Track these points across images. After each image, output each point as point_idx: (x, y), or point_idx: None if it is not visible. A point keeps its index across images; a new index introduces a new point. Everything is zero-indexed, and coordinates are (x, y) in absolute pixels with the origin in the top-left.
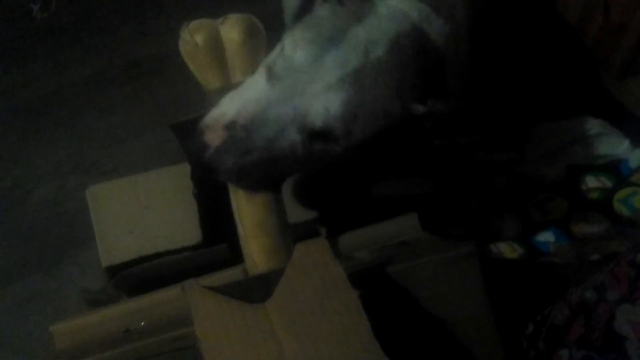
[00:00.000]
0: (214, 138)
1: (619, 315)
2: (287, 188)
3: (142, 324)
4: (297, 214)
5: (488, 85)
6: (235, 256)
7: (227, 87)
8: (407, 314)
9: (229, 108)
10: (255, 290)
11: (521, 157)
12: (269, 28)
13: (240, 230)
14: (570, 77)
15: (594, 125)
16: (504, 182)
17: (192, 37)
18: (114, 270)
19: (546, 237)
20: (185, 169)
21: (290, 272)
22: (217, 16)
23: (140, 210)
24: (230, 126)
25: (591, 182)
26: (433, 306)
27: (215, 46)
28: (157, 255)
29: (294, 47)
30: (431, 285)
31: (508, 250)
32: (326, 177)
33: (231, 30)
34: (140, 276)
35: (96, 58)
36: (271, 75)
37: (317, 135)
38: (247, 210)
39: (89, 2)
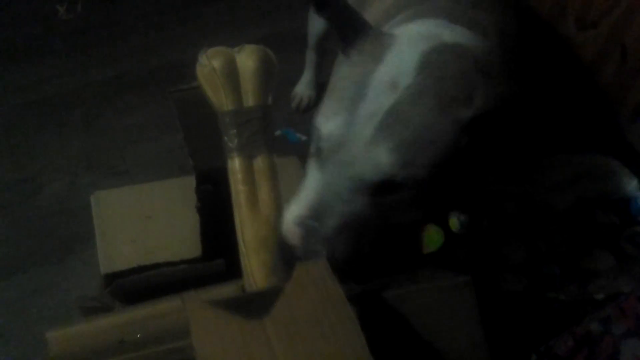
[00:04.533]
0: (293, 238)
1: (624, 349)
2: (287, 205)
3: (138, 335)
4: None
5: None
6: (231, 272)
7: (239, 110)
8: (402, 339)
9: (295, 207)
10: (254, 305)
11: (533, 190)
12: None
13: (242, 246)
14: (583, 114)
15: (604, 162)
16: (513, 208)
17: (210, 62)
18: (112, 278)
19: (552, 269)
20: (190, 181)
21: (289, 289)
22: (234, 30)
23: (143, 220)
24: (300, 222)
25: (600, 217)
26: (427, 333)
27: (231, 72)
28: (156, 265)
29: (326, 123)
30: (426, 312)
31: (514, 280)
32: None
33: (247, 58)
34: (136, 285)
35: (117, 61)
36: (321, 161)
37: (381, 189)
38: (250, 227)
39: (115, 8)
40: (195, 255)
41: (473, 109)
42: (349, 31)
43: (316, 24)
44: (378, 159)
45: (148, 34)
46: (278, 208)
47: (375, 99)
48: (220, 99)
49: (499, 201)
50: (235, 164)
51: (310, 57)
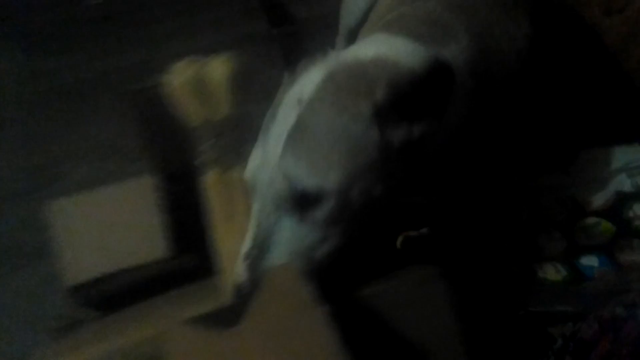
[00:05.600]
0: (240, 275)
1: None
2: None
3: None
4: None
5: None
6: (205, 265)
7: (212, 123)
8: (378, 335)
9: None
10: (230, 318)
11: (570, 180)
12: None
13: (220, 262)
14: (615, 104)
15: None
16: (553, 201)
17: (180, 76)
18: (78, 290)
19: (590, 261)
20: (149, 181)
21: (261, 297)
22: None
23: (106, 226)
24: (246, 256)
25: (637, 210)
26: (403, 327)
27: (201, 84)
28: (124, 271)
29: (249, 163)
30: (400, 306)
31: (552, 271)
32: None
33: (216, 69)
34: (106, 293)
35: (142, 47)
36: (253, 195)
37: (304, 203)
38: (227, 241)
39: None
40: (162, 255)
41: (372, 100)
42: (295, 57)
43: (351, 13)
44: (288, 171)
45: (175, 20)
46: None
47: (283, 119)
48: (191, 113)
49: (537, 195)
50: (210, 178)
51: (340, 46)
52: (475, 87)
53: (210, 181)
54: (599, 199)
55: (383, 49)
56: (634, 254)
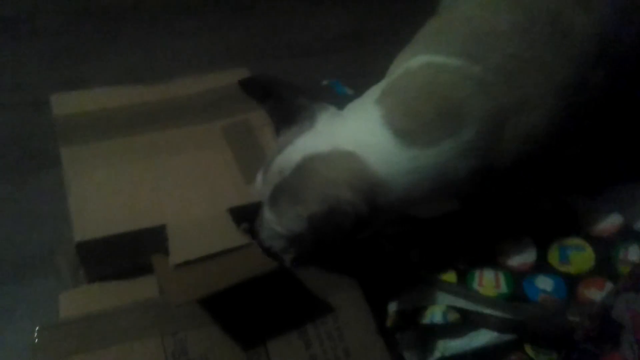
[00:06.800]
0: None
1: (619, 303)
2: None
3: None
4: None
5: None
6: None
7: None
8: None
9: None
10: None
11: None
12: None
13: None
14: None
15: None
16: (549, 206)
17: None
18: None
19: (544, 283)
20: None
21: None
22: None
23: None
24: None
25: (634, 252)
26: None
27: None
28: None
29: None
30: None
31: (489, 283)
32: None
33: None
34: None
35: None
36: None
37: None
38: None
39: None
40: None
41: (308, 209)
42: (286, 118)
43: None
44: (270, 218)
45: None
46: None
47: (271, 176)
48: None
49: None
50: None
51: None
52: (475, 167)
53: None
54: (603, 222)
55: (359, 144)
56: (595, 293)
